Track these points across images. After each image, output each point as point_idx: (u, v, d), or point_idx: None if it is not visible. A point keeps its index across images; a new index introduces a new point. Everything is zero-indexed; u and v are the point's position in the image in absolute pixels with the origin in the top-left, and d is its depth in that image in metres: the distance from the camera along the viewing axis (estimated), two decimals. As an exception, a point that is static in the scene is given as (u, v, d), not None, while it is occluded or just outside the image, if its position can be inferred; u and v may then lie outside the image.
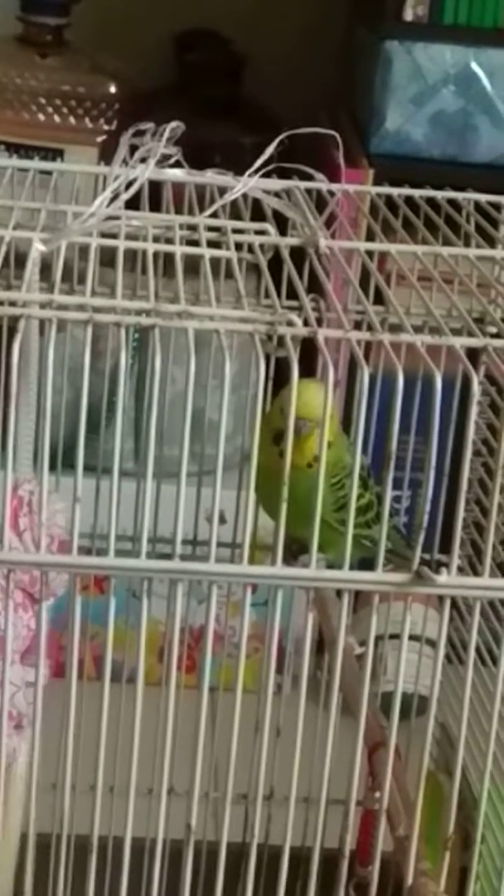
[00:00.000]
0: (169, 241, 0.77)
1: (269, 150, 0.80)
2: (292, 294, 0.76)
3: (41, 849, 0.74)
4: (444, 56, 1.47)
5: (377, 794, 0.73)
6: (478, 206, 0.90)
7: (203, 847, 0.86)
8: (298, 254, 0.79)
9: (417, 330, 0.71)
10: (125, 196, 0.75)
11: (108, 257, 0.74)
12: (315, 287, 0.78)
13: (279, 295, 0.74)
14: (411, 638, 0.71)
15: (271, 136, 0.83)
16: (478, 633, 0.70)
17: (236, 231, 0.79)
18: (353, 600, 0.70)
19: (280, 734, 0.86)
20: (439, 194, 0.90)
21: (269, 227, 0.80)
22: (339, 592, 0.69)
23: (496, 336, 0.71)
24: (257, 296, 0.85)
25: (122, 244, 0.74)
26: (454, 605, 0.70)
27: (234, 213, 0.82)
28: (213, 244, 0.77)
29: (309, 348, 0.67)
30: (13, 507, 0.80)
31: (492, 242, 0.85)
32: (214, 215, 0.80)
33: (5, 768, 0.75)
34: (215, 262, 0.76)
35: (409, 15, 1.48)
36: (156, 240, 0.77)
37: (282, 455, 0.66)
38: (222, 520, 0.74)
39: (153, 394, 0.65)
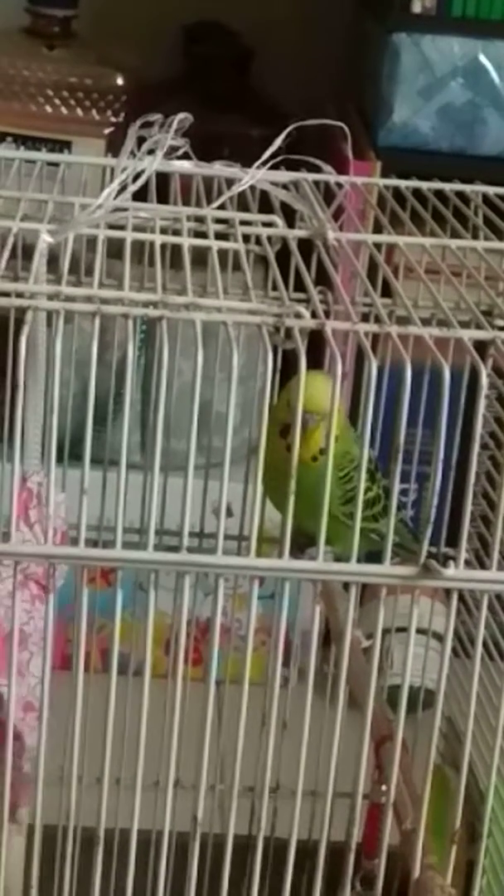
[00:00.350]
0: (176, 232, 0.77)
1: (278, 142, 0.80)
2: (300, 286, 0.76)
3: (48, 841, 0.74)
4: (453, 48, 1.47)
5: (384, 788, 0.73)
6: (486, 199, 0.89)
7: (209, 839, 0.86)
8: (306, 246, 0.78)
9: (425, 322, 0.70)
10: (133, 188, 0.75)
11: (115, 249, 0.74)
12: (323, 279, 0.78)
13: (287, 287, 0.74)
14: (418, 631, 0.71)
15: (279, 128, 0.82)
16: (485, 627, 0.69)
17: (244, 223, 0.79)
18: (360, 593, 0.69)
19: (286, 727, 0.86)
20: (447, 186, 0.90)
21: (277, 219, 0.80)
22: (346, 585, 0.69)
23: (504, 329, 0.71)
24: (265, 288, 0.85)
25: (129, 236, 0.74)
26: (461, 598, 0.70)
27: (242, 204, 0.82)
28: (220, 236, 0.77)
29: (316, 340, 0.67)
30: (24, 499, 0.80)
31: (500, 235, 0.85)
32: (222, 207, 0.79)
33: (31, 759, 0.76)
34: (223, 253, 0.75)
35: (417, 7, 1.47)
36: (163, 231, 0.76)
37: (289, 448, 0.66)
38: (229, 512, 0.74)
39: (160, 386, 0.65)
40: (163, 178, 0.82)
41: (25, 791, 0.77)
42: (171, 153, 0.78)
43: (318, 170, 0.87)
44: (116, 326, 0.67)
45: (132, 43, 1.68)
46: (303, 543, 0.74)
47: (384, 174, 1.40)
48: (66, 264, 0.71)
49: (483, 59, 1.47)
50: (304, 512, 0.67)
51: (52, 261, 0.75)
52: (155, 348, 0.67)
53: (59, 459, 0.79)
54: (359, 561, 0.68)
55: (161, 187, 0.82)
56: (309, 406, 0.71)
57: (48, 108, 1.60)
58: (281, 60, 1.70)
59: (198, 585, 0.75)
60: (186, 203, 0.82)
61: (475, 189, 0.90)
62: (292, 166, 0.85)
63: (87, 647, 0.69)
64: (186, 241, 0.75)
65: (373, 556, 0.70)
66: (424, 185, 0.91)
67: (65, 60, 1.62)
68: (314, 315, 0.67)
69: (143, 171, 0.76)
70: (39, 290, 0.67)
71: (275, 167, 0.81)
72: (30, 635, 0.77)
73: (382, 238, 0.80)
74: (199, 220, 0.78)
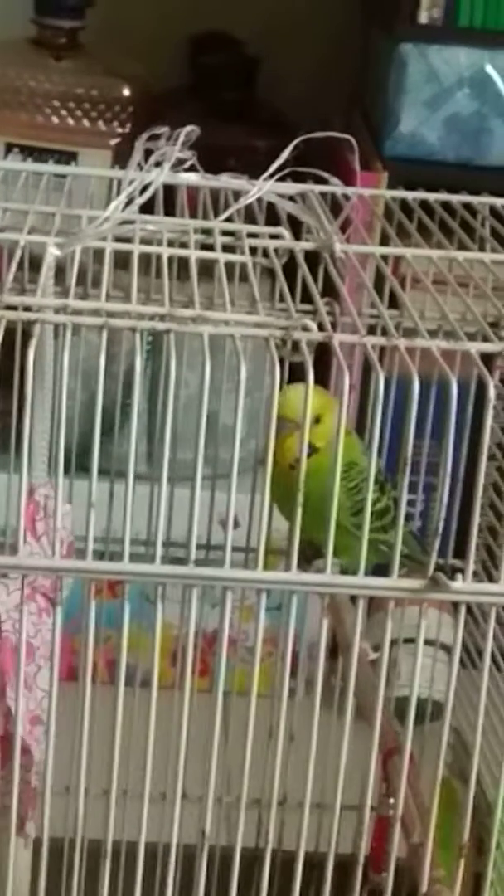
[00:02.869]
0: (184, 245, 0.77)
1: (285, 154, 0.80)
2: (306, 298, 0.76)
3: (54, 853, 0.74)
4: (459, 58, 1.47)
5: (391, 801, 0.73)
6: (493, 210, 0.89)
7: (216, 852, 0.85)
8: (313, 258, 0.78)
9: (432, 334, 0.70)
10: (140, 200, 0.75)
11: (121, 260, 0.74)
12: (329, 291, 0.78)
13: (294, 299, 0.74)
14: (425, 643, 0.71)
15: (285, 139, 0.82)
16: (493, 639, 0.69)
17: (251, 235, 0.79)
18: (367, 605, 0.69)
19: (294, 739, 0.86)
20: (454, 198, 0.90)
21: (284, 231, 0.80)
22: (353, 598, 0.69)
23: (512, 341, 0.71)
24: (271, 300, 0.85)
25: (136, 248, 0.74)
26: (468, 609, 0.69)
27: (249, 217, 0.82)
28: (227, 248, 0.77)
29: (323, 352, 0.67)
30: (30, 511, 0.80)
31: (507, 246, 0.85)
32: (229, 219, 0.79)
33: (36, 773, 0.75)
34: (230, 266, 0.75)
35: (423, 17, 1.47)
36: (170, 244, 0.76)
37: (275, 459, 0.66)
38: (235, 524, 0.74)
39: (168, 398, 0.65)
40: (169, 191, 0.82)
41: (33, 805, 0.77)
42: (178, 165, 0.78)
43: (324, 181, 0.87)
44: (123, 338, 0.67)
45: (139, 53, 1.68)
46: (310, 555, 0.74)
47: (391, 184, 1.40)
48: (73, 277, 0.71)
49: (490, 69, 1.47)
50: (310, 523, 0.67)
51: (59, 272, 0.75)
52: (161, 359, 0.67)
53: (66, 471, 0.79)
54: (366, 573, 0.68)
55: (168, 199, 0.82)
56: (282, 413, 0.72)
57: (55, 119, 1.60)
58: (287, 71, 1.71)
59: (204, 597, 0.75)
60: (193, 215, 0.82)
61: (482, 201, 0.90)
62: (299, 178, 0.85)
63: (94, 658, 0.69)
64: (193, 254, 0.75)
65: (381, 567, 0.70)
66: (431, 197, 0.90)
67: (71, 71, 1.62)
68: (321, 327, 0.67)
69: (150, 184, 0.76)
70: (47, 304, 0.67)
71: (282, 179, 0.81)
72: (37, 648, 0.77)
73: (389, 250, 0.80)
74: (206, 232, 0.78)
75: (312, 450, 0.75)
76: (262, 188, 0.80)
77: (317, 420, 0.79)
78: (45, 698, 0.77)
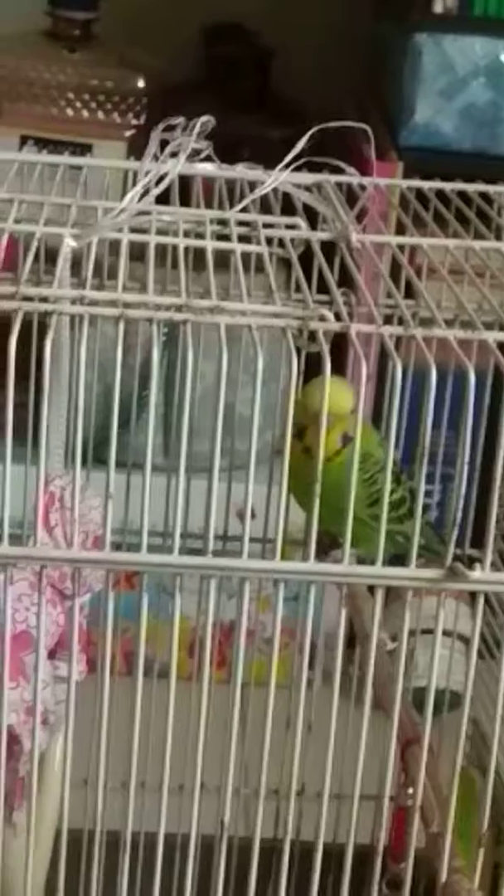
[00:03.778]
0: (199, 235, 0.77)
1: (301, 144, 0.79)
2: (323, 288, 0.76)
3: (73, 844, 0.74)
4: (474, 48, 1.47)
5: (410, 791, 0.73)
6: (509, 200, 0.89)
7: (235, 843, 0.86)
8: (329, 248, 0.78)
9: (449, 323, 0.70)
10: (156, 191, 0.75)
11: (137, 252, 0.74)
12: (346, 281, 0.77)
13: (310, 289, 0.74)
14: (442, 633, 0.71)
15: (300, 130, 0.82)
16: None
17: (267, 225, 0.78)
18: (385, 595, 0.69)
19: (311, 729, 0.86)
20: (470, 187, 0.90)
21: (300, 221, 0.80)
22: (371, 588, 0.69)
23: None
24: (288, 290, 0.85)
25: (152, 239, 0.74)
26: (485, 599, 0.69)
27: (265, 207, 0.82)
28: (243, 239, 0.77)
29: (338, 342, 0.67)
30: (45, 502, 0.80)
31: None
32: (245, 210, 0.79)
33: (36, 763, 0.76)
34: (246, 256, 0.75)
35: (438, 7, 1.47)
36: (186, 235, 0.76)
37: (304, 450, 0.66)
38: (252, 514, 0.74)
39: (185, 389, 0.65)
40: (185, 181, 0.82)
41: (21, 794, 0.77)
42: (193, 156, 0.78)
43: (340, 171, 0.86)
44: (139, 329, 0.67)
45: (153, 45, 1.68)
46: (326, 545, 0.74)
47: (406, 174, 1.40)
48: (89, 268, 0.71)
49: (505, 58, 1.47)
50: (327, 514, 0.67)
51: (75, 264, 0.75)
52: (177, 350, 0.67)
53: (83, 462, 0.79)
54: (384, 563, 0.68)
55: (183, 190, 0.82)
56: (316, 407, 0.72)
57: (69, 111, 1.60)
58: (301, 61, 1.70)
59: (221, 588, 0.75)
60: (209, 206, 0.82)
61: (498, 190, 0.90)
62: (315, 168, 0.85)
63: (111, 649, 0.69)
64: (210, 245, 0.75)
65: (397, 557, 0.70)
66: (447, 186, 0.90)
67: (86, 63, 1.62)
68: (338, 317, 0.67)
69: (166, 175, 0.76)
70: (63, 295, 0.67)
71: (297, 169, 0.81)
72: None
73: (405, 240, 0.80)
74: (222, 222, 0.78)
75: (348, 440, 0.75)
76: (278, 178, 0.80)
77: (352, 410, 0.79)
78: (45, 689, 0.76)
